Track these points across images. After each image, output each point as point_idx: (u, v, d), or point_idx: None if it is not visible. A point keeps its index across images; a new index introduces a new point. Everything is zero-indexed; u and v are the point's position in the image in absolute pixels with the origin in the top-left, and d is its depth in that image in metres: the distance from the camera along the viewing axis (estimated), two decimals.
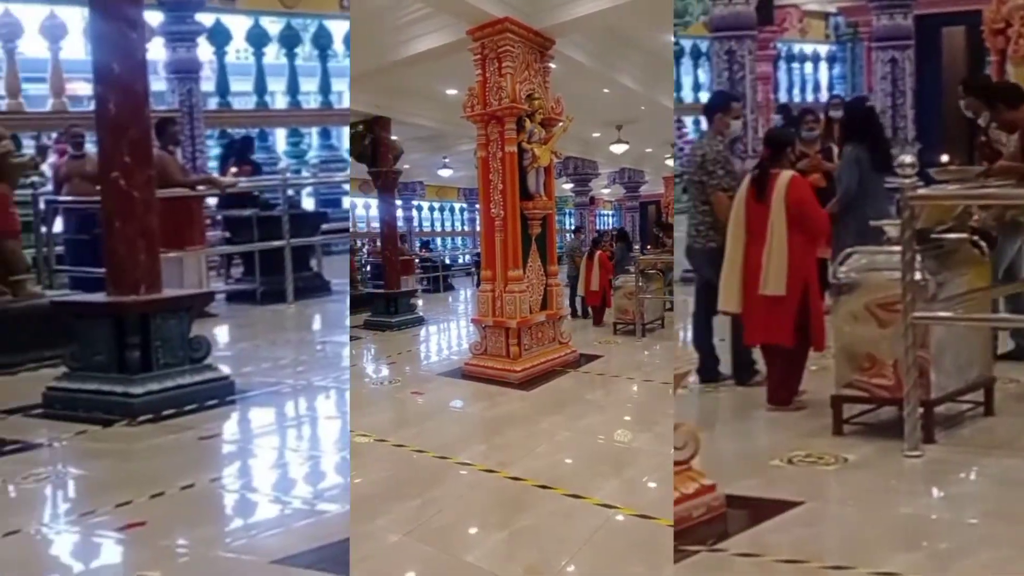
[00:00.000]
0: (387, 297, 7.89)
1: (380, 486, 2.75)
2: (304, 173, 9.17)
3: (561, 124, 5.14)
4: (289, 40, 9.64)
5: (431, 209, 17.67)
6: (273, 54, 9.82)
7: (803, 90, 10.85)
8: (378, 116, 7.74)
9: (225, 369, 3.55)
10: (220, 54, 9.13)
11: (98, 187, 3.75)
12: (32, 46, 8.22)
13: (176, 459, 2.75)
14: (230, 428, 3.16)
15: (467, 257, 16.53)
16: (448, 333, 7.75)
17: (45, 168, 6.23)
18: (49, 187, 5.81)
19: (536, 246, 5.05)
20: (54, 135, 6.87)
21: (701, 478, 2.08)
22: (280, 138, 9.91)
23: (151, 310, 3.28)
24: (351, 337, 6.96)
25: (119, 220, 3.29)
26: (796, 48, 10.90)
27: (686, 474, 2.06)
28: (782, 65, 10.39)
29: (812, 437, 2.69)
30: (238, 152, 7.47)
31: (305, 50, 10.39)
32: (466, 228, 18.98)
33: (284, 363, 4.11)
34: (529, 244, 4.98)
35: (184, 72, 8.24)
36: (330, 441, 3.06)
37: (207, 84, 8.92)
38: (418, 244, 16.52)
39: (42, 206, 5.42)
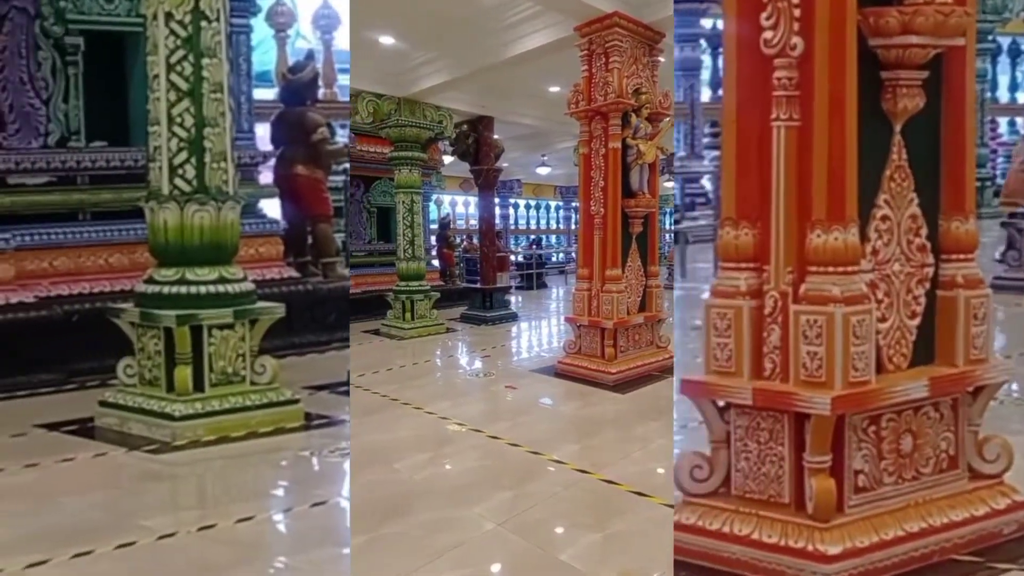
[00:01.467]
0: (483, 292, 8.08)
1: (475, 475, 2.82)
2: None
3: (668, 119, 4.96)
4: None
5: (527, 207, 17.84)
6: None
7: None
8: (482, 115, 7.93)
9: None
10: None
11: None
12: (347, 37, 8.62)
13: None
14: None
15: (561, 255, 16.48)
16: (540, 330, 7.77)
17: None
18: None
19: (637, 245, 4.92)
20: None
21: (1013, 493, 1.97)
22: None
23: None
24: (447, 329, 7.21)
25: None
26: None
27: (997, 489, 1.96)
28: None
29: None
30: None
31: None
32: (561, 226, 18.94)
33: None
34: (629, 243, 4.86)
35: None
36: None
37: None
38: (526, 241, 16.77)
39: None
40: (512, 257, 13.33)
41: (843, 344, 1.76)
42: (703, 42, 9.86)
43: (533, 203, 17.88)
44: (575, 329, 4.94)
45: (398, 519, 2.37)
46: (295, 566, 2.01)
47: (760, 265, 1.92)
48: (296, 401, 3.32)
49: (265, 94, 6.59)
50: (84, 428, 3.24)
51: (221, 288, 3.29)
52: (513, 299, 9.52)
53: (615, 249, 4.68)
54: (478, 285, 8.22)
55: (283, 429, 3.19)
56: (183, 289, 3.26)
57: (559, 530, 2.30)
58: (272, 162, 5.34)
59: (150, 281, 3.33)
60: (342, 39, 8.47)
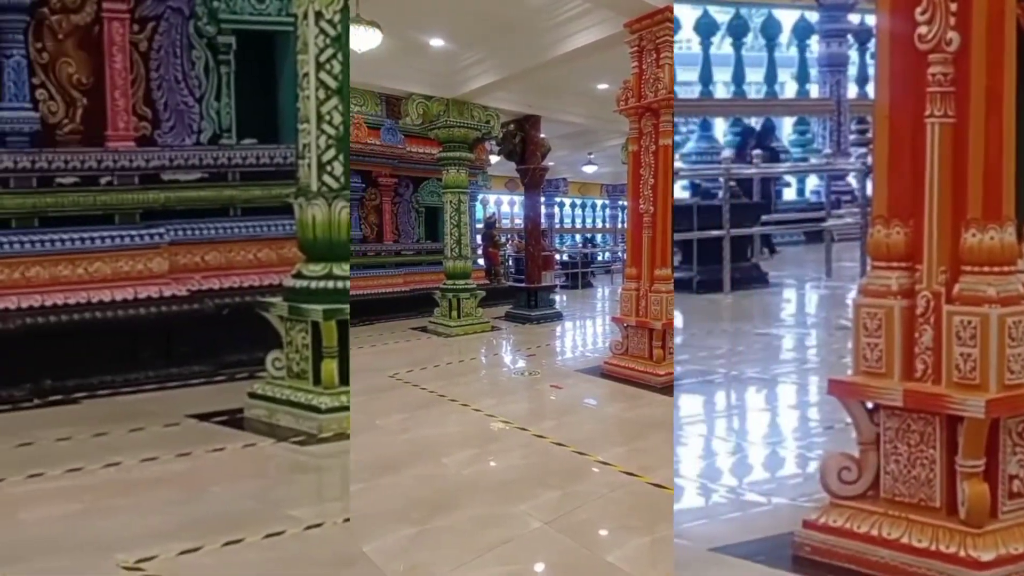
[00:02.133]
0: (528, 291, 8.09)
1: (521, 472, 2.83)
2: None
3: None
4: (737, 30, 9.71)
5: (572, 206, 17.74)
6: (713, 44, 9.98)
7: None
8: (529, 114, 7.94)
9: None
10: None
11: None
12: None
13: None
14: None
15: (607, 254, 16.30)
16: (585, 330, 7.72)
17: None
18: None
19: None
20: None
21: None
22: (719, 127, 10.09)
23: None
24: (492, 327, 7.27)
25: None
26: None
27: None
28: None
29: None
30: (758, 137, 8.05)
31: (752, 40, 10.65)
32: (607, 225, 18.72)
33: (720, 352, 4.09)
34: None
35: None
36: (759, 434, 2.90)
37: None
38: (575, 240, 16.69)
39: None
40: (557, 256, 13.29)
41: (998, 346, 1.73)
42: (850, 37, 9.58)
43: (579, 202, 17.75)
44: (622, 329, 4.88)
45: (446, 513, 2.41)
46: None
47: (912, 264, 1.89)
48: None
49: None
50: (234, 419, 3.37)
51: None
52: (558, 298, 9.49)
53: (665, 248, 4.59)
54: (523, 284, 8.24)
55: None
56: (330, 284, 3.32)
57: (606, 532, 2.28)
58: None
59: (298, 276, 3.43)
60: None
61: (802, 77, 9.99)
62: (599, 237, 17.94)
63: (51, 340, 3.72)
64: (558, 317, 8.04)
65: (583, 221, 17.94)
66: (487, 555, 2.10)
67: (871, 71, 9.87)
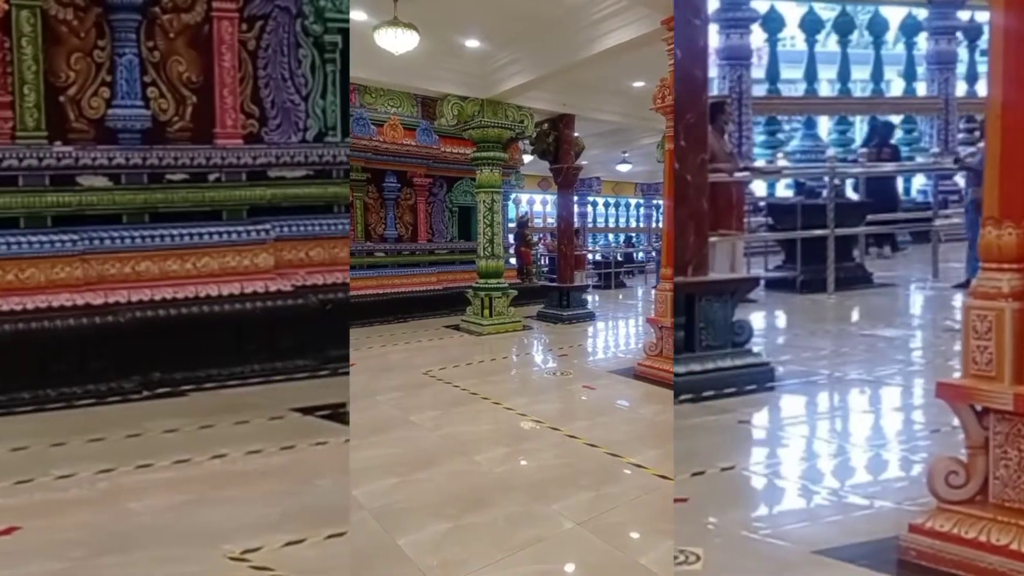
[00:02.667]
0: (560, 290, 8.07)
1: (553, 472, 2.83)
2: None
3: None
4: (843, 27, 9.58)
5: (605, 205, 17.58)
6: (819, 42, 9.82)
7: None
8: (563, 114, 7.91)
9: (764, 355, 3.58)
10: (772, 41, 9.13)
11: None
12: None
13: (716, 440, 2.78)
14: (769, 414, 3.11)
15: (640, 254, 16.10)
16: (618, 331, 7.65)
17: None
18: None
19: None
20: None
21: None
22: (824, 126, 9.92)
23: (697, 292, 3.35)
24: (524, 327, 7.28)
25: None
26: None
27: None
28: None
29: None
30: (880, 136, 8.07)
31: (858, 37, 10.49)
32: (641, 224, 18.49)
33: (823, 353, 3.99)
34: None
35: (736, 59, 8.34)
36: (862, 436, 2.81)
37: (756, 71, 8.96)
38: (616, 240, 16.54)
39: None
40: (589, 256, 13.20)
41: None
42: (959, 34, 9.37)
43: (612, 201, 17.59)
44: (657, 331, 4.82)
45: (480, 510, 2.43)
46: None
47: None
48: None
49: None
50: (336, 413, 3.37)
51: None
52: (590, 298, 9.43)
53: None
54: (555, 283, 8.22)
55: None
56: None
57: (638, 534, 2.27)
58: None
59: None
60: None
61: (909, 75, 9.72)
62: (632, 237, 17.74)
63: (160, 333, 3.80)
64: (590, 317, 7.99)
65: (616, 220, 17.76)
66: (519, 553, 2.11)
67: (980, 69, 9.53)
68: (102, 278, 3.79)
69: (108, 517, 2.29)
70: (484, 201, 7.34)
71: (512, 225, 11.61)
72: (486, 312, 7.18)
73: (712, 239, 3.99)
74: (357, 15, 5.39)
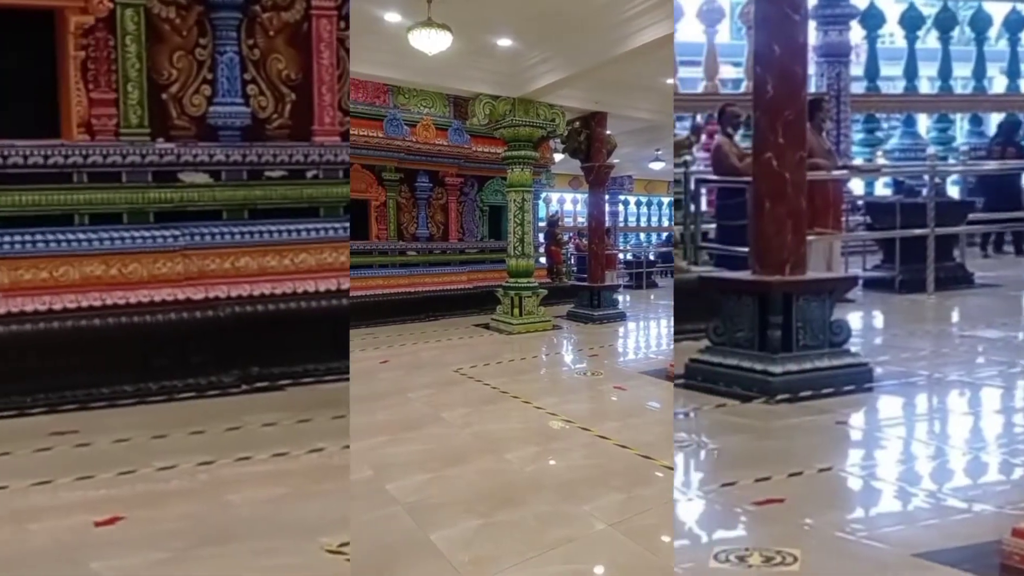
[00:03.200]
0: (591, 290, 8.02)
1: (584, 472, 2.82)
2: (951, 160, 8.65)
3: None
4: (944, 23, 9.36)
5: (637, 204, 17.38)
6: (920, 38, 9.63)
7: None
8: (595, 111, 7.86)
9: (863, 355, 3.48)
10: (872, 38, 9.00)
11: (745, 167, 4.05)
12: (686, 30, 8.68)
13: (813, 441, 2.71)
14: (867, 415, 3.02)
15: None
16: (649, 331, 7.55)
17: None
18: (700, 166, 6.11)
19: None
20: (700, 116, 7.47)
21: None
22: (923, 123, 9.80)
23: (795, 291, 3.28)
24: (553, 326, 7.27)
25: (769, 200, 3.34)
26: None
27: None
28: None
29: None
30: (1005, 134, 8.01)
31: (960, 34, 10.24)
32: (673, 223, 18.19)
33: (922, 354, 3.91)
34: None
35: (834, 55, 8.18)
36: (961, 438, 2.74)
37: (855, 68, 8.81)
38: (659, 239, 16.32)
39: (692, 185, 5.70)
40: (620, 255, 13.07)
41: None
42: None
43: (644, 200, 17.37)
44: None
45: (510, 508, 2.44)
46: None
47: None
48: None
49: None
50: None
51: None
52: (621, 298, 9.34)
53: None
54: (586, 283, 8.18)
55: None
56: None
57: (670, 538, 2.24)
58: None
59: None
60: (682, 32, 8.50)
61: (1013, 72, 9.39)
62: (655, 236, 17.49)
63: (258, 328, 3.84)
64: (621, 317, 7.92)
65: (648, 219, 17.53)
66: (551, 552, 2.11)
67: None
68: (202, 273, 3.88)
69: (208, 508, 2.35)
70: (515, 200, 7.35)
71: (542, 224, 11.60)
72: (516, 311, 7.19)
73: (809, 238, 3.90)
74: (391, 17, 5.48)
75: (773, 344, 3.25)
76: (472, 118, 7.23)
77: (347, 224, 4.32)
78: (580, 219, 14.96)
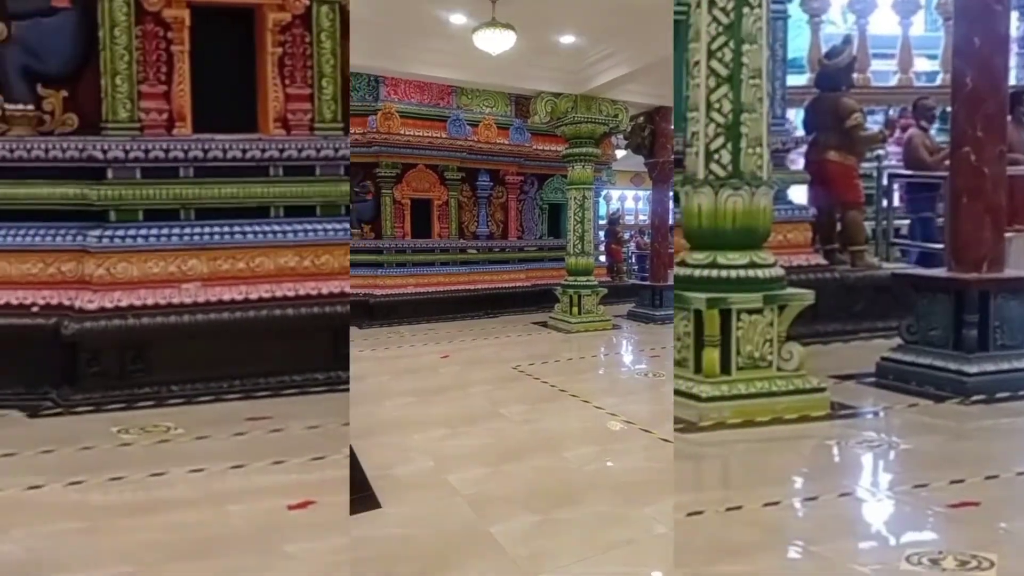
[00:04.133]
0: (652, 289, 7.84)
1: (644, 475, 2.77)
2: None
3: None
4: None
5: None
6: None
7: None
8: (659, 106, 7.66)
9: None
10: None
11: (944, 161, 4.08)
12: (880, 23, 8.33)
13: (1011, 443, 2.65)
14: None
15: None
16: None
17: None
18: (893, 160, 5.94)
19: None
20: (892, 109, 7.19)
21: None
22: None
23: (993, 289, 3.22)
24: (613, 326, 7.16)
25: (966, 195, 3.27)
26: None
27: None
28: None
29: None
30: None
31: None
32: None
33: None
34: None
35: None
36: None
37: None
38: None
39: (885, 180, 5.59)
40: None
41: None
42: None
43: None
44: None
45: (569, 506, 2.44)
46: (822, 554, 1.96)
47: None
48: (823, 389, 3.22)
49: (795, 80, 6.43)
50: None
51: (751, 273, 3.25)
52: None
53: None
54: (647, 282, 8.00)
55: (808, 417, 3.10)
56: (714, 272, 3.27)
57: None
58: (802, 148, 5.37)
59: (682, 264, 3.43)
60: (876, 24, 8.15)
61: None
62: None
63: None
64: None
65: None
66: (610, 553, 2.09)
67: None
68: None
69: None
70: (575, 198, 7.30)
71: (603, 222, 11.45)
72: (575, 310, 7.14)
73: (1008, 234, 3.74)
74: (457, 19, 5.57)
75: (969, 343, 3.18)
76: (533, 116, 7.24)
77: None
78: (641, 217, 14.65)
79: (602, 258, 10.44)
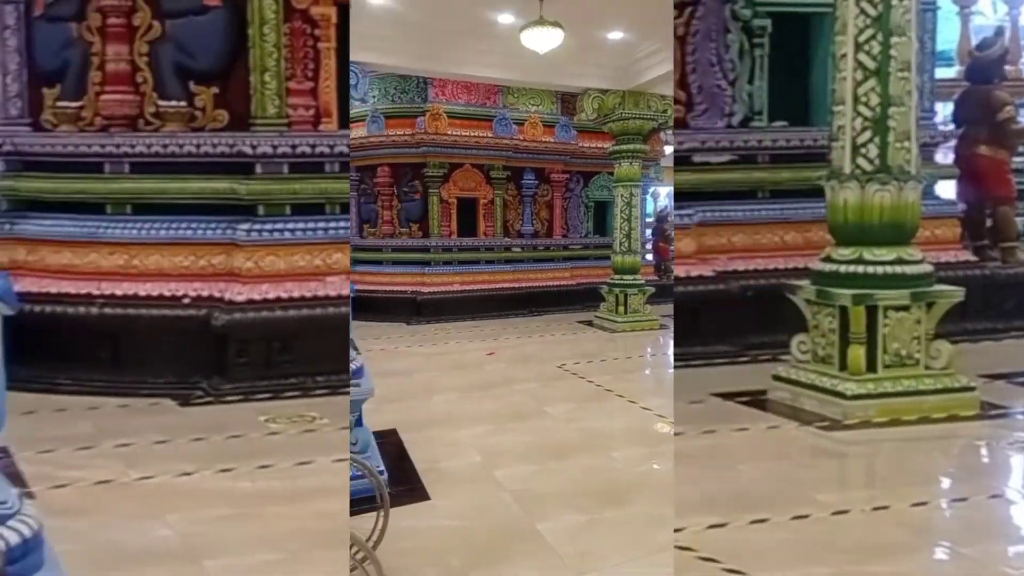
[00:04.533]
0: None
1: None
2: None
3: None
4: None
5: None
6: None
7: None
8: None
9: None
10: None
11: None
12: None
13: None
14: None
15: None
16: None
17: None
18: None
19: None
20: None
21: None
22: None
23: None
24: (660, 326, 7.03)
25: None
26: None
27: None
28: None
29: None
30: None
31: None
32: None
33: None
34: None
35: None
36: None
37: None
38: None
39: None
40: None
41: None
42: None
43: None
44: None
45: (616, 507, 2.42)
46: (971, 557, 1.91)
47: None
48: (972, 388, 3.16)
49: (943, 72, 6.32)
50: (757, 400, 3.34)
51: (898, 269, 3.20)
52: None
53: None
54: None
55: (957, 416, 3.04)
56: (860, 269, 3.21)
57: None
58: (951, 142, 5.29)
59: (827, 260, 3.35)
60: None
61: None
62: None
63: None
64: None
65: None
66: (659, 555, 2.07)
67: None
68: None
69: None
70: (622, 195, 7.20)
71: (650, 220, 11.23)
72: (621, 309, 7.05)
73: None
74: (504, 18, 5.60)
75: None
76: (580, 113, 7.19)
77: (683, 211, 4.30)
78: None
79: (649, 256, 10.24)
